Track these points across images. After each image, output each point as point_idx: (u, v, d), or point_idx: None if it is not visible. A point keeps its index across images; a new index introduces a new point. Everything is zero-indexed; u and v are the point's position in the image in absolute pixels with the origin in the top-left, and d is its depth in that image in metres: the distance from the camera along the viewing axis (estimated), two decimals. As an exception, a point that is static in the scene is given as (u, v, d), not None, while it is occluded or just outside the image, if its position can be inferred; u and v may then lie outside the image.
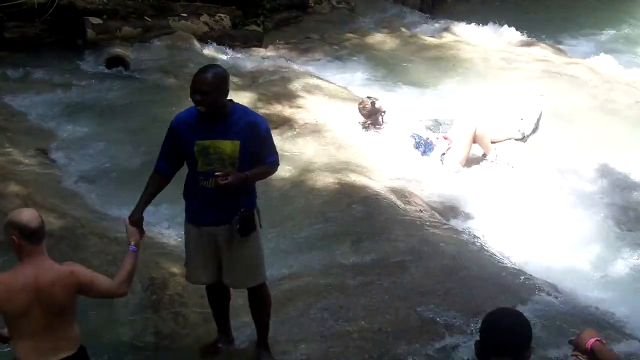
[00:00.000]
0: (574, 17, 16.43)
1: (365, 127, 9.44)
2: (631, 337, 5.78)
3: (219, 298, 5.38)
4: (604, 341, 3.60)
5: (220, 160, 4.88)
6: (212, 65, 5.12)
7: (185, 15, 13.65)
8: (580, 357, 3.56)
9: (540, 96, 10.78)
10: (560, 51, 13.54)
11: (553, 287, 6.55)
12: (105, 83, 11.04)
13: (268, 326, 5.39)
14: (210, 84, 4.77)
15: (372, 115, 9.45)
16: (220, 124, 4.87)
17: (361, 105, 9.55)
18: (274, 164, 5.16)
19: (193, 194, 5.03)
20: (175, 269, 6.29)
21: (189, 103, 4.94)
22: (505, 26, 14.61)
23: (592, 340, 3.55)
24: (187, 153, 4.92)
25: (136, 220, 4.82)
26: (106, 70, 11.60)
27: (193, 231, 5.13)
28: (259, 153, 5.01)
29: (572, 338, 3.66)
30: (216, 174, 4.81)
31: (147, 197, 5.03)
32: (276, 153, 5.17)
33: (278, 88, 10.45)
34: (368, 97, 9.64)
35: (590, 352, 3.53)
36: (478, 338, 3.32)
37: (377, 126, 9.41)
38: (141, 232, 4.79)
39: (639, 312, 6.32)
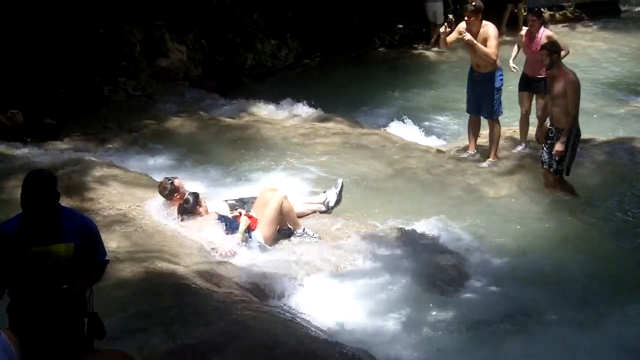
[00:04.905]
0: (365, 92, 17.08)
1: (179, 211, 9.24)
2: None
3: None
4: None
5: (56, 265, 4.67)
6: (36, 172, 4.83)
7: (-25, 113, 13.15)
8: None
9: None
10: (356, 123, 13.97)
11: (367, 353, 6.61)
12: None
13: None
14: (41, 193, 4.61)
15: (174, 194, 9.33)
16: (51, 227, 4.69)
17: (161, 187, 9.45)
18: (107, 262, 5.16)
19: (22, 306, 4.72)
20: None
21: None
22: (301, 103, 14.94)
23: None
24: (19, 264, 4.62)
25: None
26: None
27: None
28: (93, 254, 4.94)
29: None
30: (64, 287, 4.62)
31: None
32: (106, 252, 5.14)
33: (77, 180, 10.10)
34: (166, 178, 9.54)
35: None
36: None
37: (186, 205, 9.21)
38: None
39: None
